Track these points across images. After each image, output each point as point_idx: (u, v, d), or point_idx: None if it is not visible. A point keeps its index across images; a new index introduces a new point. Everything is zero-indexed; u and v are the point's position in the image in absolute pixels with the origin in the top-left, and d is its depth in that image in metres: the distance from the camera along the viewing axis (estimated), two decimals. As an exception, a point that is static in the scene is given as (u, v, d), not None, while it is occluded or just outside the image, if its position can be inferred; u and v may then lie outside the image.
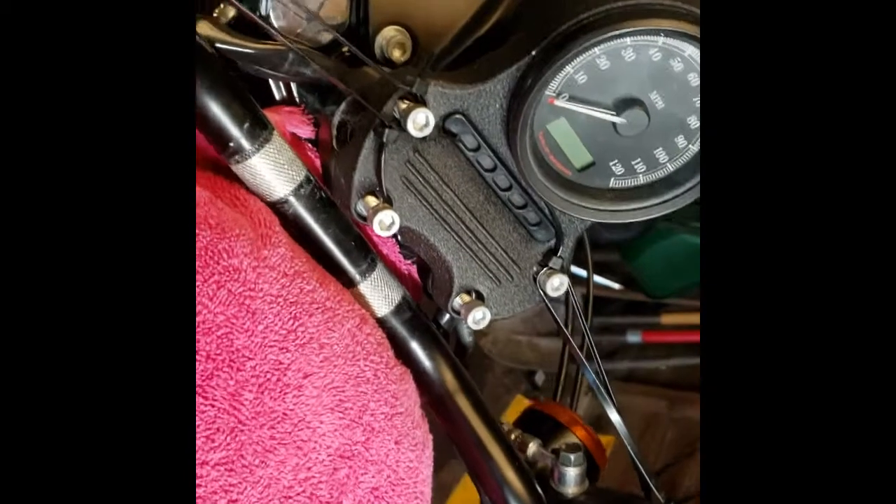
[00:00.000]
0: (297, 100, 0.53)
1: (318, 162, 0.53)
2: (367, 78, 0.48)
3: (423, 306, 0.56)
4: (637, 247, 1.48)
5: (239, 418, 0.42)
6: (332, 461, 0.46)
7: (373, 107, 0.46)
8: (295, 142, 0.51)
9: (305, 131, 0.52)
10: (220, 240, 0.43)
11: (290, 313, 0.45)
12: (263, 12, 0.49)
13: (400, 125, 0.45)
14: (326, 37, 0.51)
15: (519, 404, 1.38)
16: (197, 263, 0.42)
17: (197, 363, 0.41)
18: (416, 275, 0.58)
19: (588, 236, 0.60)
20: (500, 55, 0.47)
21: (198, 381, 0.41)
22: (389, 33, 0.51)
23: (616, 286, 1.61)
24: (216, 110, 0.45)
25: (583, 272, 0.68)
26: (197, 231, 0.42)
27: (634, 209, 0.49)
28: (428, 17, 0.52)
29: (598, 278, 1.57)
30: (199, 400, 0.41)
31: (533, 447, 0.57)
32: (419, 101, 0.45)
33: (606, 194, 0.49)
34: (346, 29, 0.51)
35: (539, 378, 1.58)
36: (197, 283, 0.41)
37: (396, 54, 0.51)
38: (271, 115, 0.50)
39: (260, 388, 0.43)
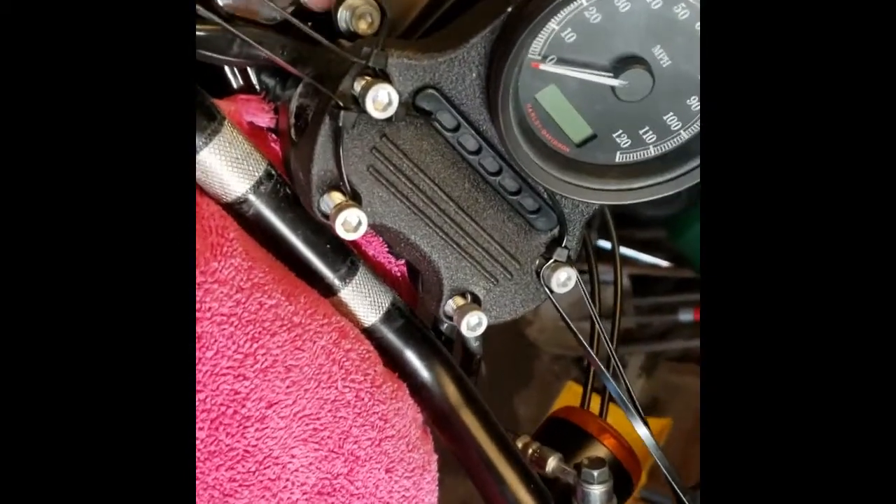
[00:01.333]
0: (257, 86, 0.47)
1: (282, 155, 0.46)
2: (328, 57, 0.42)
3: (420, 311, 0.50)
4: (683, 221, 1.41)
5: (190, 459, 0.37)
6: (310, 499, 0.40)
7: (330, 84, 0.40)
8: (254, 132, 0.45)
9: (265, 119, 0.45)
10: None
11: (247, 334, 0.39)
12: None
13: (359, 105, 0.38)
14: (286, 5, 0.45)
15: (570, 391, 1.33)
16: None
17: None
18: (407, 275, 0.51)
19: (622, 213, 0.53)
20: (472, 17, 0.40)
21: None
22: (354, 3, 0.45)
23: (664, 263, 1.55)
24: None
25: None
26: None
27: (644, 187, 0.42)
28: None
29: (645, 256, 1.51)
30: None
31: (553, 462, 0.50)
32: (380, 76, 0.38)
33: (611, 171, 0.42)
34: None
35: (591, 362, 1.52)
36: None
37: (363, 27, 0.44)
38: (225, 104, 0.44)
39: (213, 424, 0.37)
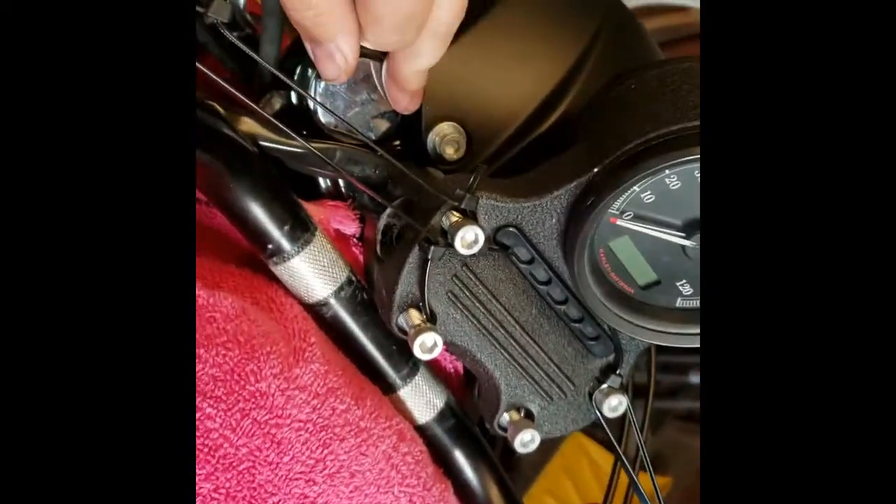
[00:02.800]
0: (345, 192, 0.50)
1: (362, 258, 0.49)
2: (416, 181, 0.45)
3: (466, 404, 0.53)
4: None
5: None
6: None
7: (420, 216, 0.43)
8: (339, 238, 0.49)
9: (351, 227, 0.49)
10: (249, 360, 0.40)
11: (320, 440, 0.42)
12: (312, 107, 0.46)
13: (447, 239, 0.41)
14: (382, 126, 0.48)
15: (575, 443, 1.34)
16: (220, 388, 0.39)
17: (213, 502, 0.38)
18: (462, 371, 0.54)
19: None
20: (558, 167, 0.43)
21: None
22: (444, 130, 0.48)
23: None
24: (256, 211, 0.43)
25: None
26: (224, 350, 0.40)
27: (699, 334, 0.44)
28: (483, 114, 0.48)
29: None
30: None
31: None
32: (469, 215, 0.42)
33: (671, 315, 0.45)
34: (399, 122, 0.48)
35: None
36: (221, 411, 0.39)
37: (449, 151, 0.48)
38: (316, 209, 0.47)
39: (283, 525, 0.40)
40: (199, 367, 0.39)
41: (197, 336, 0.39)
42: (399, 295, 0.43)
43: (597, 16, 0.51)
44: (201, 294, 0.41)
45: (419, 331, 0.42)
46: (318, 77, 0.46)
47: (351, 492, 0.42)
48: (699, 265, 0.43)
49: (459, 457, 0.51)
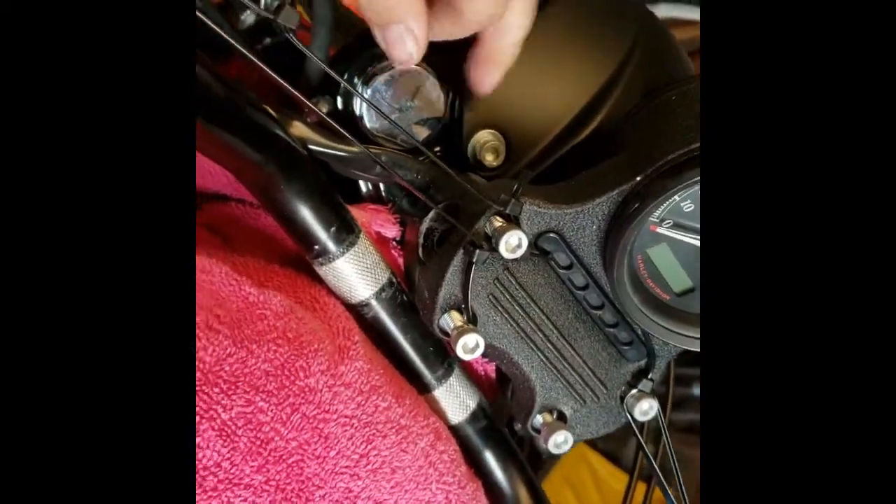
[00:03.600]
0: (385, 196, 0.52)
1: (401, 261, 0.51)
2: (459, 185, 0.46)
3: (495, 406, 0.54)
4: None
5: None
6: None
7: (464, 220, 0.44)
8: (380, 240, 0.50)
9: (391, 231, 0.50)
10: (298, 357, 0.41)
11: (364, 436, 0.43)
12: (357, 113, 0.47)
13: (491, 243, 0.43)
14: (422, 133, 0.49)
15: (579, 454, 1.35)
16: (272, 383, 0.40)
17: (265, 493, 0.39)
18: (491, 374, 0.55)
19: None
20: (600, 175, 0.44)
21: None
22: (484, 137, 0.49)
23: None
24: (305, 214, 0.44)
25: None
26: (275, 346, 0.41)
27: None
28: (523, 122, 0.49)
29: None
30: None
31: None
32: (512, 220, 0.43)
33: (705, 322, 0.46)
34: (440, 129, 0.50)
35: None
36: (272, 405, 0.40)
37: (489, 158, 0.49)
38: (358, 212, 0.48)
39: (328, 517, 0.41)
40: (251, 361, 0.40)
41: (249, 332, 0.40)
42: (442, 296, 0.44)
43: (633, 29, 0.52)
44: (252, 291, 0.42)
45: (462, 332, 0.43)
46: (365, 83, 0.47)
47: (392, 487, 0.43)
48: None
49: (490, 458, 0.52)
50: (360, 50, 0.48)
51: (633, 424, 0.50)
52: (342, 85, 0.48)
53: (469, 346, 0.44)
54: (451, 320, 0.44)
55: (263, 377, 0.40)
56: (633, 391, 0.49)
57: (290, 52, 0.50)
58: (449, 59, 0.50)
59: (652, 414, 0.49)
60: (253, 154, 0.40)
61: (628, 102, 0.50)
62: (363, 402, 0.43)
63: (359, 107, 0.48)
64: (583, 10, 0.52)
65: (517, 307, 0.45)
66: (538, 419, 0.49)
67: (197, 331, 0.39)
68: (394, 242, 0.51)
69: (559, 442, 0.48)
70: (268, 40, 0.70)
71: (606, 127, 0.50)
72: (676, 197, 0.41)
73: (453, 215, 0.45)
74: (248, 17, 0.70)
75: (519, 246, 0.42)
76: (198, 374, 0.38)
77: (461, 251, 0.43)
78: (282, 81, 0.40)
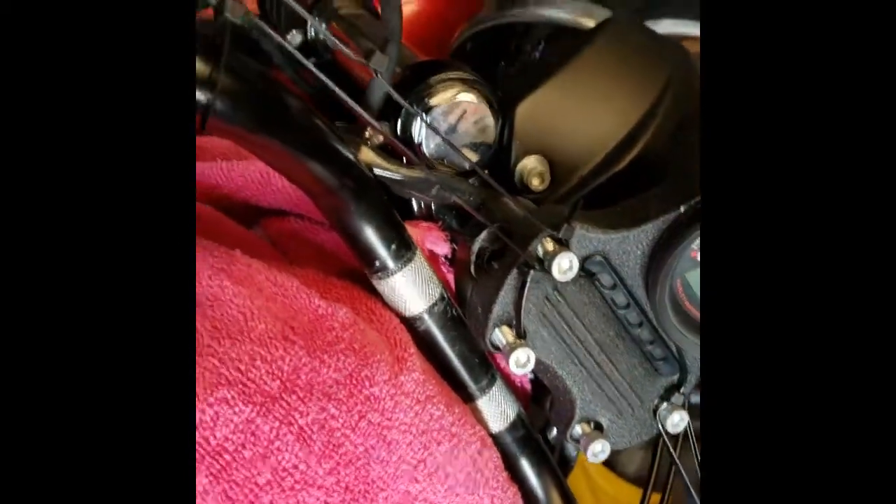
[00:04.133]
0: (435, 214, 0.55)
1: (450, 277, 0.54)
2: (511, 208, 0.49)
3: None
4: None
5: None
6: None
7: (516, 241, 0.47)
8: (431, 257, 0.53)
9: (443, 248, 0.53)
10: (364, 366, 0.44)
11: (421, 442, 0.46)
12: (416, 139, 0.51)
13: (543, 265, 0.46)
14: (472, 157, 0.53)
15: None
16: (342, 391, 0.43)
17: (335, 494, 0.42)
18: (527, 385, 0.58)
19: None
20: (645, 203, 0.47)
21: None
22: (531, 163, 0.52)
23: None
24: (369, 233, 0.47)
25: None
26: (343, 356, 0.44)
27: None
28: (567, 149, 0.53)
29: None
30: None
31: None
32: (563, 243, 0.46)
33: (737, 341, 0.49)
34: (490, 153, 0.53)
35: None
36: (343, 412, 0.43)
37: (535, 182, 0.52)
38: (412, 229, 0.51)
39: (390, 517, 0.44)
40: (323, 371, 0.43)
41: (320, 342, 0.44)
42: (496, 313, 0.47)
43: (668, 65, 0.56)
44: (321, 304, 0.45)
45: (514, 347, 0.47)
46: (425, 111, 0.51)
47: (445, 491, 0.46)
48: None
49: (525, 465, 0.55)
50: (415, 80, 0.52)
51: (664, 437, 0.53)
52: (403, 111, 0.51)
53: (521, 361, 0.47)
54: (503, 336, 0.48)
55: (334, 385, 0.43)
56: (665, 404, 0.52)
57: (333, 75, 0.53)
58: (498, 87, 0.53)
59: (682, 426, 0.53)
60: (331, 180, 0.43)
61: (665, 133, 0.53)
62: (420, 411, 0.46)
63: (418, 133, 0.51)
64: (624, 46, 0.56)
65: (564, 324, 0.49)
66: (577, 429, 0.52)
67: (275, 341, 0.42)
68: (443, 260, 0.54)
69: (597, 451, 0.51)
70: (312, 59, 0.73)
71: (645, 156, 0.53)
72: (717, 226, 0.45)
73: (507, 236, 0.48)
74: (295, 38, 0.73)
75: (570, 268, 0.45)
76: (276, 383, 0.41)
77: (515, 271, 0.46)
78: (355, 105, 0.43)
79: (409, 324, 0.50)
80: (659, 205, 0.46)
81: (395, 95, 0.45)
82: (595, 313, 0.49)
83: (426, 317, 0.50)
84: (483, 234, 0.49)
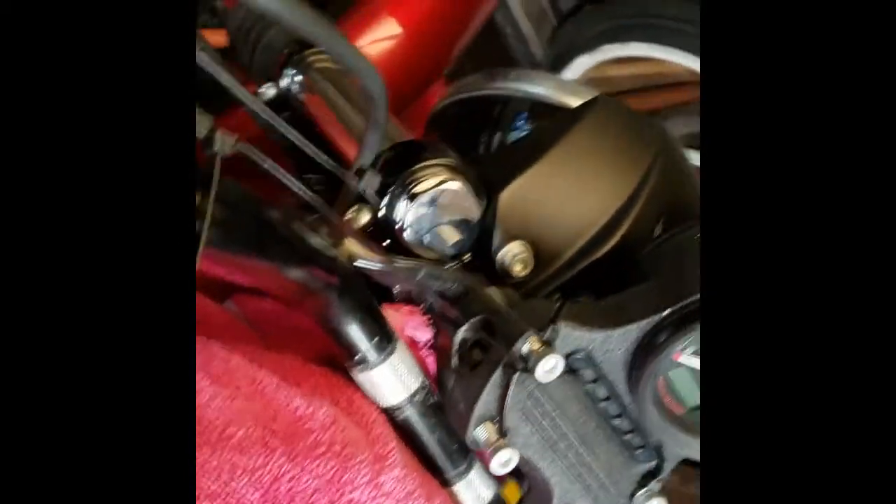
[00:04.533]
0: (415, 298, 0.54)
1: (430, 361, 0.53)
2: (494, 301, 0.49)
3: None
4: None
5: None
6: None
7: (500, 338, 0.47)
8: (412, 343, 0.52)
9: (424, 334, 0.52)
10: (344, 471, 0.44)
11: None
12: (398, 224, 0.50)
13: (527, 364, 0.46)
14: (453, 237, 0.52)
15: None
16: (322, 498, 0.42)
17: None
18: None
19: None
20: (629, 302, 0.47)
21: None
22: (514, 249, 0.52)
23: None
24: (352, 328, 0.46)
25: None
26: (324, 460, 0.43)
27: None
28: (552, 233, 0.53)
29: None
30: None
31: None
32: (548, 343, 0.46)
33: (716, 435, 0.50)
34: (474, 239, 0.52)
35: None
36: None
37: (518, 268, 0.52)
38: (392, 314, 0.51)
39: None
40: (304, 478, 0.42)
41: (301, 446, 0.43)
42: (478, 411, 0.47)
43: (652, 149, 0.56)
44: (301, 404, 0.45)
45: (497, 447, 0.46)
46: (411, 198, 0.50)
47: None
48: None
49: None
50: (399, 165, 0.51)
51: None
52: (388, 197, 0.51)
53: (503, 461, 0.47)
54: (485, 432, 0.47)
55: (315, 493, 0.42)
56: (643, 490, 0.53)
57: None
58: (484, 171, 0.53)
59: (660, 513, 0.53)
60: (314, 283, 0.42)
61: (646, 221, 0.53)
62: None
63: (401, 217, 0.50)
64: (609, 129, 0.56)
65: (546, 419, 0.48)
66: (555, 517, 0.52)
67: (255, 447, 0.42)
68: (421, 344, 0.53)
69: None
70: (286, 114, 0.72)
71: (625, 244, 0.53)
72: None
73: (489, 330, 0.48)
74: (268, 91, 0.72)
75: (555, 368, 0.45)
76: (257, 495, 0.40)
77: (500, 370, 0.46)
78: (322, 206, 0.42)
79: (389, 413, 0.50)
80: (643, 307, 0.46)
81: (377, 178, 0.45)
82: (577, 406, 0.49)
83: (406, 406, 0.49)
84: (466, 326, 0.49)
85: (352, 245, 0.47)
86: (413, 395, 0.49)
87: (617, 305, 0.48)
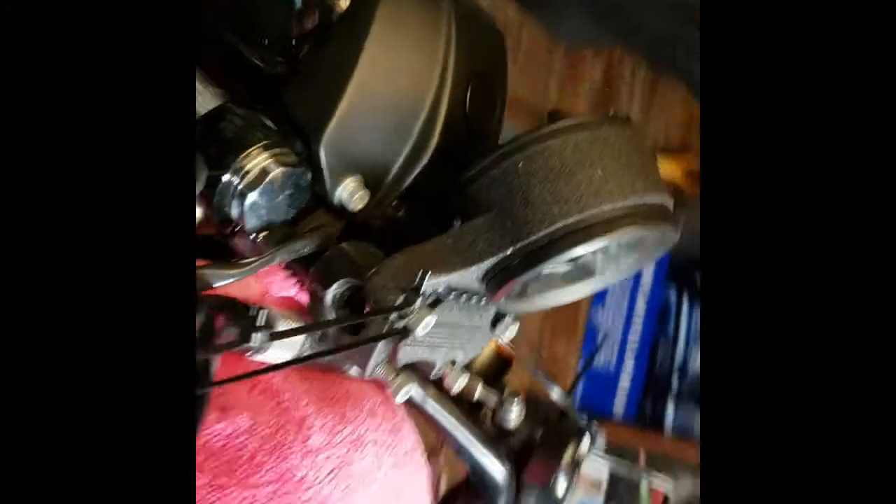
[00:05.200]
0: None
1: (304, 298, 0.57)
2: (351, 254, 0.52)
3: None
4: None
5: None
6: None
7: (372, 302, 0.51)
8: (285, 300, 0.56)
9: (292, 291, 0.55)
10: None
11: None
12: (236, 217, 0.50)
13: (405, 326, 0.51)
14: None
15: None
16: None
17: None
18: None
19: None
20: (474, 238, 0.50)
21: None
22: (350, 186, 0.53)
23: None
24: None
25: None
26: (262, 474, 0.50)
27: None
28: (379, 155, 0.54)
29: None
30: None
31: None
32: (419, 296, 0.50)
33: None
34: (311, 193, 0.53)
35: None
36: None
37: (357, 203, 0.54)
38: (254, 282, 0.53)
39: None
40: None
41: (240, 474, 0.49)
42: (370, 369, 0.53)
43: (444, 15, 0.55)
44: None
45: (399, 386, 0.54)
46: (241, 197, 0.49)
47: None
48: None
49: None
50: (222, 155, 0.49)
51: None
52: (215, 198, 0.50)
53: (404, 392, 0.54)
54: (382, 371, 0.54)
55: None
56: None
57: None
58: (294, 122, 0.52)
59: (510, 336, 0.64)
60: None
61: (459, 93, 0.55)
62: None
63: (236, 212, 0.50)
64: (402, 19, 0.54)
65: (425, 341, 0.55)
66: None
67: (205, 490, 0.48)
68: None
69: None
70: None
71: (447, 132, 0.55)
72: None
73: (356, 301, 0.52)
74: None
75: (430, 322, 0.51)
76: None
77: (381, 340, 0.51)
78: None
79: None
80: (488, 247, 0.50)
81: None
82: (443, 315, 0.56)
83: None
84: (334, 286, 0.52)
85: (204, 275, 0.48)
86: (302, 346, 0.55)
87: (469, 245, 0.51)
